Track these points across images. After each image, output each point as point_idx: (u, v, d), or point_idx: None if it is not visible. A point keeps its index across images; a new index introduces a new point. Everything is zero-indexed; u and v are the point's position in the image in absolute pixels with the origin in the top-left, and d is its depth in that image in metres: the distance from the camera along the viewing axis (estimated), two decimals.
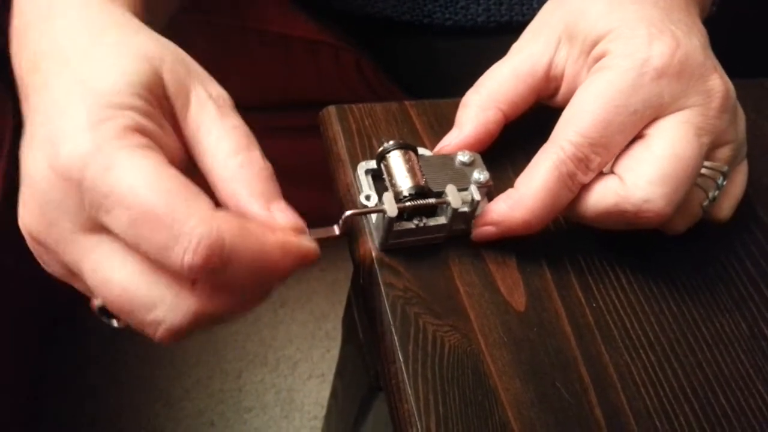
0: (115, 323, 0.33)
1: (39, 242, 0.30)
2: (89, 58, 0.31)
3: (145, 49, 0.32)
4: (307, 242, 0.31)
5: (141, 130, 0.29)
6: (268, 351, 1.03)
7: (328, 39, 0.75)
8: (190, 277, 0.28)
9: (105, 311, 0.32)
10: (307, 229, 0.32)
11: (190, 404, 0.97)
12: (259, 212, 0.30)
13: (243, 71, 0.80)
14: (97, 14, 0.33)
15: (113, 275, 0.29)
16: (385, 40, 0.71)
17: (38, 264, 0.32)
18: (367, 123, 0.41)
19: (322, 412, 0.98)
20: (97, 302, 0.32)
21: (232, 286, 0.29)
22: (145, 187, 0.27)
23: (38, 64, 0.32)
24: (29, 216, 0.30)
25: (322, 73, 0.79)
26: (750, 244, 0.41)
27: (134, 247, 0.28)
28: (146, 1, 0.38)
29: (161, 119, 0.31)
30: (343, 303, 1.05)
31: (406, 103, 0.43)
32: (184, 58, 0.33)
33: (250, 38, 0.77)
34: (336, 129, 0.41)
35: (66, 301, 0.94)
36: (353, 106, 0.41)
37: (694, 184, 0.35)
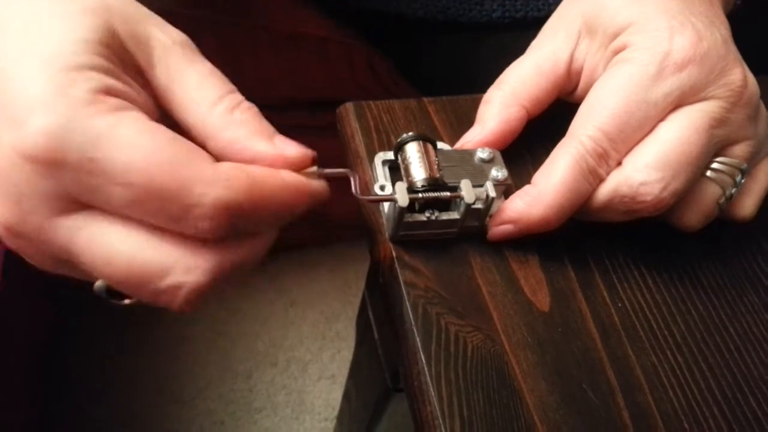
0: (126, 301, 0.30)
1: (18, 235, 0.27)
2: (26, 20, 0.27)
3: (86, 2, 0.28)
4: (316, 183, 0.30)
5: (110, 91, 0.26)
6: (279, 352, 1.02)
7: (339, 37, 0.75)
8: (208, 239, 0.26)
9: (111, 292, 0.29)
10: (315, 157, 0.30)
11: (200, 404, 0.97)
12: (267, 149, 0.29)
13: (253, 70, 0.79)
14: None
15: (113, 250, 0.26)
16: (398, 37, 0.71)
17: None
18: (385, 120, 0.40)
19: (333, 414, 0.97)
20: (99, 284, 0.29)
21: (247, 232, 0.28)
22: (143, 159, 0.25)
23: None
24: (1, 207, 0.26)
25: (333, 71, 0.78)
26: None
27: (135, 220, 0.26)
28: None
29: (126, 77, 0.28)
30: (354, 303, 1.05)
31: (425, 99, 0.42)
32: (133, 3, 0.30)
33: (260, 37, 0.76)
34: (354, 126, 0.40)
35: (74, 302, 0.94)
36: (371, 102, 0.41)
37: (699, 175, 0.35)
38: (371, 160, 0.38)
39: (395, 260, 0.35)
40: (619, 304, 0.36)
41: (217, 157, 0.29)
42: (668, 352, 0.35)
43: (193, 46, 0.30)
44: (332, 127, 0.42)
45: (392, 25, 0.67)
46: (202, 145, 0.29)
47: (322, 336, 1.04)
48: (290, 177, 0.28)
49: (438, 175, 0.35)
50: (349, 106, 0.41)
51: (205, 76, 0.29)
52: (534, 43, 0.40)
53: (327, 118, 0.43)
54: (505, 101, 0.37)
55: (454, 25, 0.63)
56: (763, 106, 0.37)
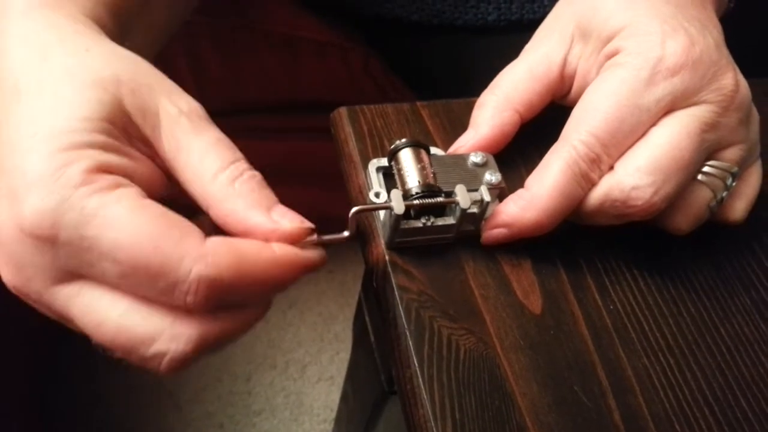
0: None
1: (23, 295, 0.29)
2: (39, 90, 0.29)
3: (97, 73, 0.29)
4: (310, 251, 0.30)
5: (105, 168, 0.27)
6: (277, 354, 1.02)
7: (336, 40, 0.75)
8: (194, 312, 0.28)
9: None
10: (313, 228, 0.30)
11: (199, 407, 0.97)
12: (262, 222, 0.29)
13: (250, 73, 0.79)
14: (42, 29, 0.30)
15: (105, 317, 0.28)
16: (394, 40, 0.71)
17: None
18: (378, 124, 0.41)
19: (332, 415, 0.97)
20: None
21: (233, 305, 0.29)
22: (129, 238, 0.26)
23: None
24: (6, 271, 0.28)
25: (330, 74, 0.79)
26: None
27: (126, 293, 0.27)
28: (113, 6, 0.34)
29: (129, 149, 0.29)
30: (352, 304, 1.05)
31: (418, 104, 0.42)
32: (145, 72, 0.31)
33: (257, 40, 0.76)
34: (347, 130, 0.40)
35: None
36: (365, 107, 0.41)
37: (691, 179, 0.35)
38: (365, 165, 0.38)
39: (388, 264, 0.35)
40: (611, 306, 0.36)
41: (219, 227, 0.30)
42: (660, 354, 0.35)
43: (202, 113, 0.31)
44: (330, 129, 0.42)
45: (388, 28, 0.68)
46: (206, 213, 0.30)
47: (321, 338, 1.04)
48: (281, 251, 0.29)
49: (432, 181, 0.35)
50: (343, 111, 0.41)
51: (209, 146, 0.30)
52: (527, 47, 0.40)
53: (325, 121, 0.43)
54: (498, 106, 0.38)
55: (449, 28, 0.63)
56: (755, 110, 0.37)
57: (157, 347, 0.27)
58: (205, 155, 0.30)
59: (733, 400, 0.34)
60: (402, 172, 0.36)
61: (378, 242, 0.36)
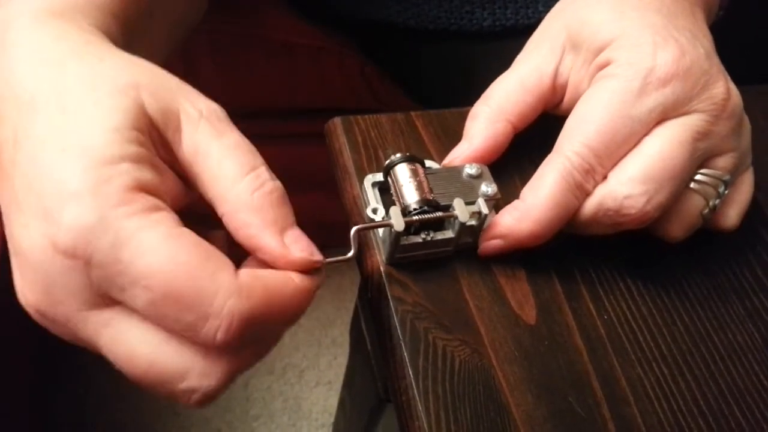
0: None
1: (46, 318, 0.28)
2: (60, 104, 0.28)
3: (115, 81, 0.28)
4: (319, 280, 0.30)
5: (143, 187, 0.27)
6: (275, 359, 1.02)
7: (332, 46, 0.75)
8: (221, 349, 0.27)
9: None
10: (321, 259, 0.30)
11: (197, 413, 0.97)
12: (274, 246, 0.29)
13: (247, 79, 0.80)
14: (52, 41, 0.30)
15: (135, 350, 0.27)
16: (390, 45, 0.71)
17: None
18: (373, 134, 0.41)
19: (330, 420, 0.98)
20: None
21: (258, 338, 0.29)
22: (164, 266, 0.25)
23: None
24: (31, 293, 0.27)
25: (326, 80, 0.79)
26: (762, 252, 0.40)
27: (155, 323, 0.27)
28: (121, 17, 0.34)
29: (155, 159, 0.28)
30: (349, 308, 1.05)
31: (412, 114, 0.42)
32: (161, 76, 0.30)
33: (254, 46, 0.76)
34: (342, 141, 0.40)
35: None
36: (359, 117, 0.41)
37: (683, 187, 0.35)
38: (359, 176, 0.38)
39: (383, 275, 0.35)
40: (605, 316, 0.36)
41: (230, 232, 0.29)
42: (654, 364, 0.35)
43: (222, 116, 0.30)
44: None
45: (384, 34, 0.68)
46: (221, 219, 0.29)
47: (318, 342, 1.04)
48: (302, 283, 0.29)
49: (430, 196, 0.35)
50: (337, 122, 0.41)
51: (229, 150, 0.29)
52: (519, 58, 0.40)
53: (322, 126, 0.43)
54: (491, 117, 0.38)
55: (444, 34, 0.63)
56: (746, 118, 0.37)
57: (188, 384, 0.27)
58: (223, 159, 0.29)
59: (727, 409, 0.34)
60: (399, 188, 0.36)
61: (373, 253, 0.36)
